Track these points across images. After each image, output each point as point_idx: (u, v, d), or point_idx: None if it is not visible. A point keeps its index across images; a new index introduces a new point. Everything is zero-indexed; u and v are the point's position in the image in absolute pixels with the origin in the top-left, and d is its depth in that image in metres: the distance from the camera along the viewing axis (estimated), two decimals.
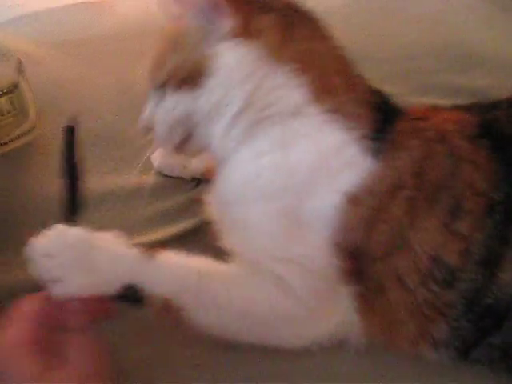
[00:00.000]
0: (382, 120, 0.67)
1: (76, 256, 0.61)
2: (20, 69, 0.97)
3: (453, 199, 0.64)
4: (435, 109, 0.74)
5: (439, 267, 0.64)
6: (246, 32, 0.66)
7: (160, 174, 0.96)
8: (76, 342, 0.55)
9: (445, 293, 0.64)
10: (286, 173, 0.65)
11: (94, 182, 0.95)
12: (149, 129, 0.77)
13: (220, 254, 0.74)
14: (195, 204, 0.92)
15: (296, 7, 0.70)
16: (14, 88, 0.93)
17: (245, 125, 0.68)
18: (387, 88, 1.12)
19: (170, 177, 0.96)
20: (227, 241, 0.71)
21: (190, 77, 0.68)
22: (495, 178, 0.65)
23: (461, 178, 0.65)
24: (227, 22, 0.66)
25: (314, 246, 0.65)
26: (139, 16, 1.26)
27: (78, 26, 1.23)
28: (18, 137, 0.98)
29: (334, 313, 0.67)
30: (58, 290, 0.58)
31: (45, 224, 0.89)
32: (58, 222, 0.55)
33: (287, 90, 0.66)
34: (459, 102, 1.08)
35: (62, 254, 0.61)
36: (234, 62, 0.66)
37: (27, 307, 0.56)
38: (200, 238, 0.87)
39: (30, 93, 1.02)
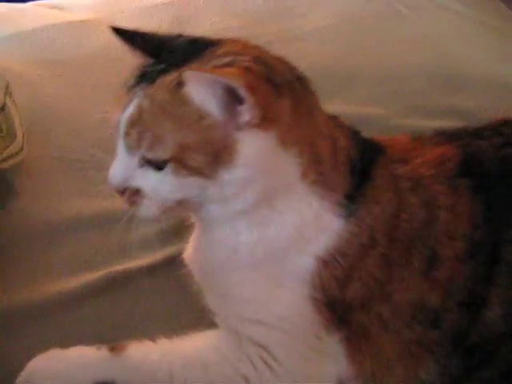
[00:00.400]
0: (356, 182, 0.67)
1: (50, 375, 0.71)
2: (7, 90, 0.96)
3: (429, 249, 0.66)
4: (418, 142, 0.74)
5: (421, 310, 0.65)
6: (263, 121, 0.60)
7: None
8: None
9: (430, 332, 0.66)
10: (264, 247, 0.66)
11: (80, 204, 0.95)
12: (124, 188, 0.66)
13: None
14: (177, 231, 0.91)
15: (299, 75, 0.68)
16: (1, 110, 0.93)
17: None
18: (376, 109, 1.14)
19: None
20: (209, 302, 0.73)
21: (205, 164, 0.61)
22: (475, 219, 0.66)
23: (436, 227, 0.66)
24: (248, 112, 0.59)
25: (292, 304, 0.67)
26: None
27: (66, 46, 1.22)
28: (5, 159, 0.97)
29: (321, 370, 0.68)
30: None
31: (30, 246, 0.90)
32: None
33: (286, 173, 0.64)
34: (449, 123, 1.11)
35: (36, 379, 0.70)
36: (254, 153, 0.61)
37: None
38: (179, 266, 0.87)
39: (18, 114, 1.01)
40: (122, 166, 0.65)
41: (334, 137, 0.68)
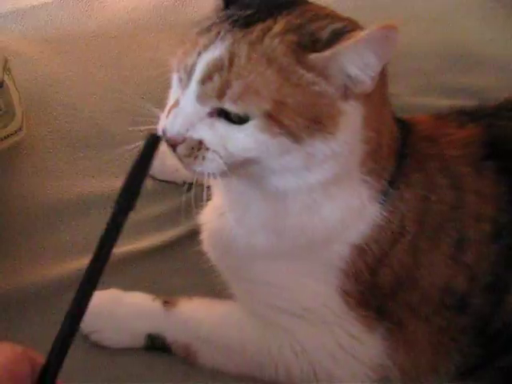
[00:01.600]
0: (396, 166, 0.65)
1: (107, 314, 0.74)
2: (6, 67, 0.93)
3: (457, 232, 0.65)
4: (441, 120, 0.72)
5: (449, 295, 0.65)
6: (365, 97, 0.57)
7: (152, 177, 0.92)
8: None
9: (457, 318, 0.65)
10: (309, 233, 0.64)
11: (82, 184, 0.93)
12: (182, 139, 0.58)
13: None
14: (187, 209, 0.89)
15: None
16: None
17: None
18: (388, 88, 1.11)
19: (162, 181, 0.93)
20: (232, 286, 0.73)
21: (302, 127, 0.55)
22: (501, 202, 0.65)
23: (464, 209, 0.65)
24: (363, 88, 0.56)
25: (320, 296, 0.66)
26: (129, 12, 1.23)
27: (66, 22, 1.19)
28: (4, 138, 0.95)
29: (349, 375, 0.68)
30: (96, 339, 0.73)
31: (30, 226, 0.87)
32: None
33: (352, 157, 0.61)
34: (460, 102, 1.07)
35: (96, 313, 0.72)
36: (352, 128, 0.58)
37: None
38: (192, 245, 0.84)
39: (17, 92, 0.98)
40: (186, 114, 0.57)
41: (391, 124, 0.65)
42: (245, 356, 0.70)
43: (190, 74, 0.56)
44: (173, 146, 0.57)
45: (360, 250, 0.64)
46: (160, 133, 0.58)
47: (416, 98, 1.07)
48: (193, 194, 0.89)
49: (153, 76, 1.09)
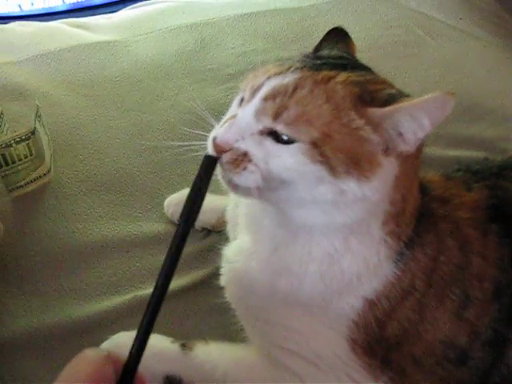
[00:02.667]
0: (414, 228, 0.69)
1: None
2: (37, 114, 0.98)
3: (461, 291, 0.68)
4: (451, 182, 0.77)
5: (451, 348, 0.68)
6: (403, 159, 0.63)
7: (172, 222, 0.97)
8: None
9: (458, 370, 0.69)
10: (327, 282, 0.68)
11: (106, 228, 0.97)
12: (229, 148, 0.63)
13: (224, 309, 0.79)
14: (204, 255, 0.94)
15: None
16: (31, 134, 0.95)
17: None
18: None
19: None
20: (246, 327, 0.77)
21: (342, 162, 0.60)
22: (503, 263, 0.69)
23: (469, 270, 0.69)
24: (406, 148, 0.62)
25: (330, 343, 0.69)
26: (153, 58, 1.28)
27: (93, 66, 1.24)
28: (34, 180, 1.00)
29: None
30: None
31: (57, 268, 0.92)
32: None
33: (375, 213, 0.66)
34: (467, 153, 1.12)
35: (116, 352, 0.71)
36: (384, 182, 0.62)
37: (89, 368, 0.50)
38: (207, 290, 0.89)
39: (46, 136, 1.03)
40: (240, 127, 0.62)
41: (417, 193, 0.69)
42: None
43: (254, 92, 0.63)
44: (219, 152, 0.63)
45: (371, 304, 0.68)
46: (211, 140, 0.64)
47: (424, 149, 1.11)
48: (209, 239, 0.95)
49: (174, 121, 1.15)
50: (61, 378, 0.48)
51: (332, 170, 0.59)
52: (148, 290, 0.88)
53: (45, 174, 1.01)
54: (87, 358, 0.50)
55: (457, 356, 0.68)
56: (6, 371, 0.80)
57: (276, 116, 0.60)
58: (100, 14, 1.49)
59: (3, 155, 0.94)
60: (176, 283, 0.89)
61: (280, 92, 0.61)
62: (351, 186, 0.60)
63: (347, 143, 0.59)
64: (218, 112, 1.14)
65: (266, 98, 0.61)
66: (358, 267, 0.67)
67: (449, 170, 0.84)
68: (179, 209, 0.96)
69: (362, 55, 1.33)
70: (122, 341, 0.77)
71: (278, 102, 0.60)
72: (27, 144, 0.95)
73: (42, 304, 0.87)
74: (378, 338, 0.69)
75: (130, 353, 0.53)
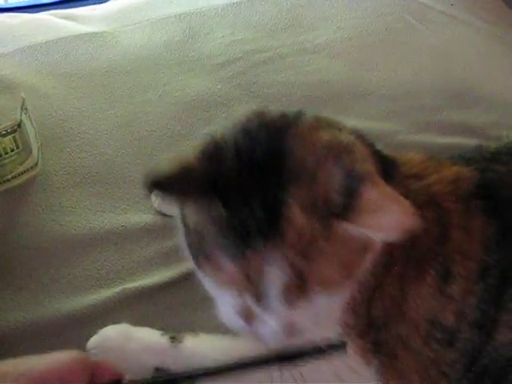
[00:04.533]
0: None
1: (118, 348, 0.76)
2: (23, 106, 0.97)
3: (442, 265, 0.67)
4: (434, 160, 0.75)
5: (437, 328, 0.67)
6: None
7: (159, 213, 0.96)
8: None
9: (446, 351, 0.67)
10: None
11: (94, 220, 0.96)
12: None
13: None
14: None
15: None
16: (17, 127, 0.94)
17: None
18: (387, 124, 1.15)
19: (170, 216, 0.96)
20: None
21: None
22: (489, 242, 0.67)
23: (449, 243, 0.67)
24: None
25: (325, 328, 0.68)
26: (141, 48, 1.27)
27: (80, 58, 1.23)
28: (21, 173, 0.99)
29: None
30: None
31: (45, 262, 0.91)
32: None
33: None
34: (459, 139, 1.11)
35: (107, 346, 0.76)
36: None
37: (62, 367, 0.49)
38: (198, 282, 0.88)
39: (33, 129, 1.02)
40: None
41: None
42: None
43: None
44: None
45: (359, 284, 0.67)
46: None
47: (414, 136, 1.10)
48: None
49: (162, 112, 1.14)
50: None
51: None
52: (137, 283, 0.87)
53: (32, 167, 1.00)
54: (72, 353, 0.50)
55: (444, 336, 0.67)
56: None
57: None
58: (87, 5, 1.48)
59: None
60: (166, 275, 0.89)
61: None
62: None
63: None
64: (207, 102, 1.15)
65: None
66: None
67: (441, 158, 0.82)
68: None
69: (353, 43, 1.34)
70: (109, 335, 0.77)
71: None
72: (13, 137, 0.94)
73: (30, 298, 0.86)
74: (367, 319, 0.68)
75: None
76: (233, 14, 1.36)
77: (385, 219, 0.55)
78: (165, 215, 0.96)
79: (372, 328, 0.69)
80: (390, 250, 0.66)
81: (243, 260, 0.59)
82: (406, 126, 1.13)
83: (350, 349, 0.69)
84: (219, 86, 1.19)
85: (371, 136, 1.04)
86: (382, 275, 0.67)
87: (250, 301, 0.62)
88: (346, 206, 0.56)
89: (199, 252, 0.64)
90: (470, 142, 1.09)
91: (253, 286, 0.60)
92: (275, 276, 0.58)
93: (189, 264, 0.89)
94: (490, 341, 0.68)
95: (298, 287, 0.59)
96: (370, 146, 0.71)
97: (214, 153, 0.62)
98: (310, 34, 1.34)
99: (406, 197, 0.66)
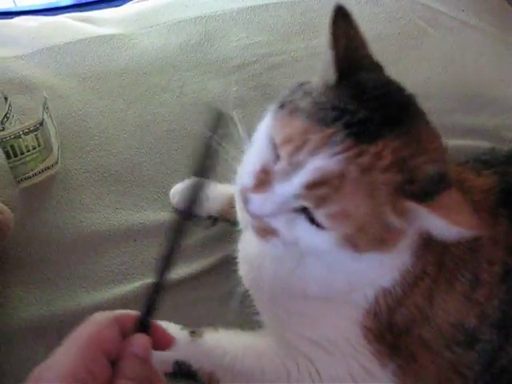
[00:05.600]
0: None
1: None
2: (45, 105, 1.00)
3: (471, 273, 0.69)
4: (461, 167, 0.77)
5: (460, 331, 0.69)
6: None
7: (177, 211, 0.98)
8: None
9: (466, 353, 0.69)
10: (353, 281, 0.69)
11: (114, 217, 0.99)
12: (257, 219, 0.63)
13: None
14: (212, 242, 0.95)
15: None
16: (39, 125, 0.96)
17: None
18: None
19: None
20: (264, 314, 0.78)
21: (367, 245, 0.61)
22: (511, 246, 0.69)
23: (480, 252, 0.69)
24: None
25: (343, 330, 0.71)
26: (158, 51, 1.29)
27: (98, 60, 1.25)
28: (42, 171, 1.01)
29: None
30: None
31: (65, 257, 0.93)
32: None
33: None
34: (471, 142, 1.13)
35: None
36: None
37: (92, 328, 0.52)
38: (215, 278, 0.91)
39: (53, 128, 1.05)
40: (276, 205, 0.59)
41: None
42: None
43: (295, 168, 0.57)
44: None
45: (385, 292, 0.69)
46: (238, 188, 0.64)
47: None
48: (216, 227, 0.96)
49: (179, 113, 1.16)
50: (67, 338, 0.51)
51: (358, 249, 0.60)
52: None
53: (52, 165, 1.02)
54: (93, 320, 0.52)
55: (465, 338, 0.69)
56: (17, 359, 0.81)
57: (318, 206, 0.57)
58: (102, 8, 1.50)
59: (12, 146, 0.95)
60: (185, 271, 0.91)
61: (324, 182, 0.56)
62: (373, 254, 0.62)
63: (377, 232, 0.59)
64: (223, 103, 1.17)
65: (308, 187, 0.57)
66: (381, 263, 0.67)
67: (456, 161, 0.83)
68: (183, 198, 0.99)
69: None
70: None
71: (323, 193, 0.56)
72: (35, 135, 0.97)
73: (51, 292, 0.89)
74: (388, 324, 0.70)
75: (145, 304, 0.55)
76: (248, 17, 1.38)
77: (459, 217, 0.56)
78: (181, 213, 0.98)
79: (391, 333, 0.70)
80: (424, 266, 0.68)
81: (320, 127, 0.57)
82: None
83: (368, 351, 0.71)
84: (235, 88, 1.21)
85: None
86: (411, 287, 0.68)
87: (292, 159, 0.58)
88: (430, 193, 0.57)
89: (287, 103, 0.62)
90: (481, 144, 1.11)
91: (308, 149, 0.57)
92: (322, 169, 0.56)
93: (207, 261, 0.93)
94: (509, 341, 0.70)
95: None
96: None
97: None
98: (323, 38, 1.36)
99: None
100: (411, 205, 0.57)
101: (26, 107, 1.12)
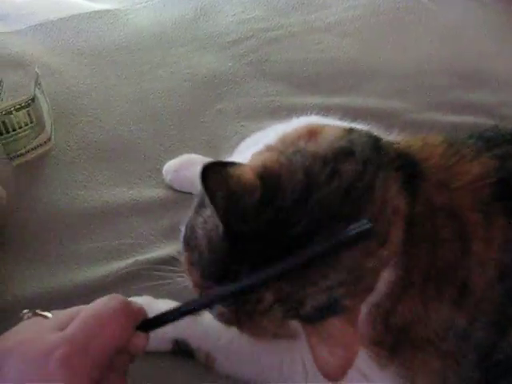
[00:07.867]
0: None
1: None
2: (37, 81, 0.98)
3: (461, 279, 0.65)
4: (454, 152, 0.71)
5: (452, 329, 0.66)
6: None
7: (171, 188, 0.98)
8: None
9: (461, 343, 0.67)
10: None
11: (107, 194, 0.98)
12: None
13: None
14: None
15: None
16: (31, 102, 0.95)
17: None
18: (398, 102, 1.15)
19: (181, 191, 0.98)
20: None
21: None
22: (507, 244, 0.65)
23: (470, 257, 0.65)
24: None
25: None
26: (152, 26, 1.28)
27: (92, 35, 1.24)
28: (35, 148, 1.00)
29: None
30: None
31: (58, 234, 0.93)
32: None
33: None
34: (470, 118, 1.11)
35: None
36: None
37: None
38: None
39: (46, 104, 1.03)
40: None
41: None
42: (257, 368, 0.74)
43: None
44: None
45: (375, 305, 0.66)
46: None
47: (425, 114, 1.11)
48: None
49: (174, 89, 1.15)
50: (89, 308, 0.53)
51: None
52: (149, 255, 0.89)
53: (45, 142, 1.02)
54: (118, 298, 0.54)
55: (458, 333, 0.67)
56: None
57: None
58: None
59: (3, 122, 0.94)
60: (178, 248, 0.85)
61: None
62: None
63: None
64: (218, 79, 1.16)
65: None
66: None
67: (460, 137, 0.76)
68: (178, 175, 0.98)
69: (364, 22, 1.34)
70: None
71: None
72: (27, 111, 0.95)
73: (44, 269, 0.88)
74: (383, 329, 0.68)
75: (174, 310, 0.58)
76: None
77: (323, 353, 0.57)
78: (175, 190, 0.98)
79: (388, 335, 0.68)
80: (410, 276, 0.66)
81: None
82: (417, 105, 1.14)
83: (364, 353, 0.69)
84: (230, 64, 1.19)
85: (382, 114, 1.07)
86: (400, 296, 0.66)
87: None
88: (314, 319, 0.59)
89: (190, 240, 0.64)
90: (482, 120, 1.09)
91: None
92: None
93: None
94: (506, 337, 0.66)
95: None
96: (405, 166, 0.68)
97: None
98: (321, 12, 1.34)
99: (432, 215, 0.66)
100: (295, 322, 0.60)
101: (18, 84, 1.11)
